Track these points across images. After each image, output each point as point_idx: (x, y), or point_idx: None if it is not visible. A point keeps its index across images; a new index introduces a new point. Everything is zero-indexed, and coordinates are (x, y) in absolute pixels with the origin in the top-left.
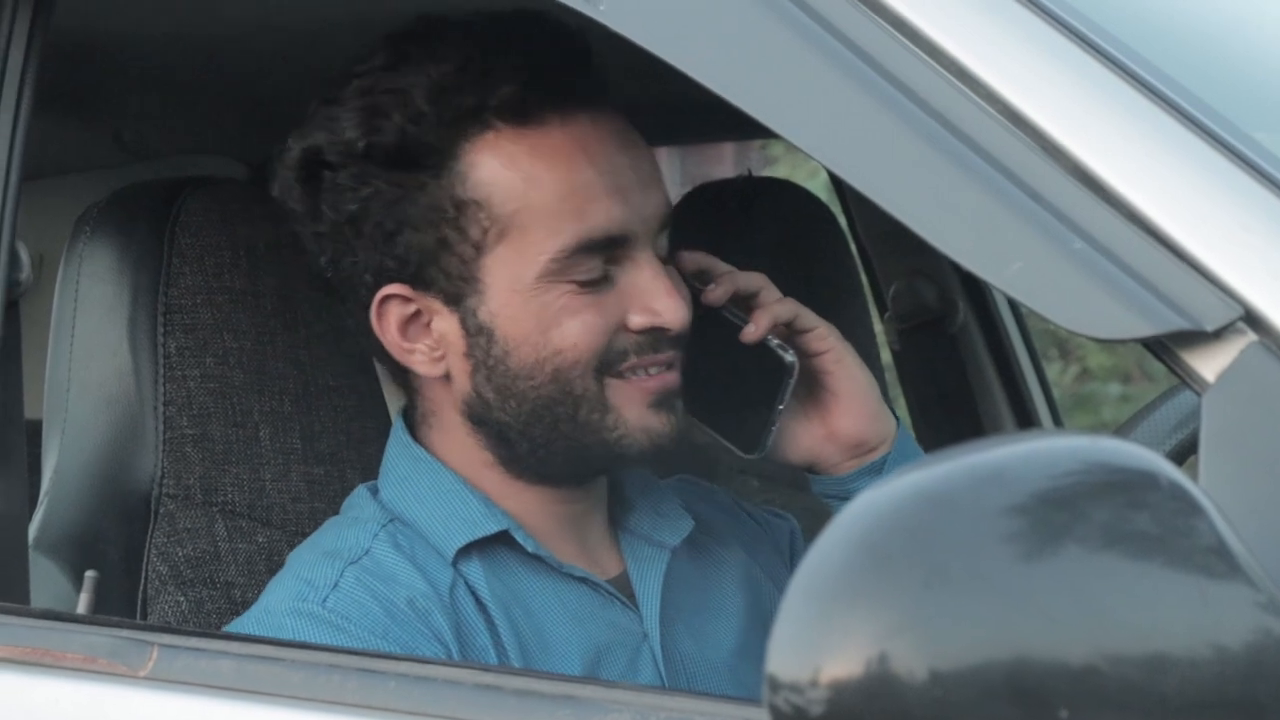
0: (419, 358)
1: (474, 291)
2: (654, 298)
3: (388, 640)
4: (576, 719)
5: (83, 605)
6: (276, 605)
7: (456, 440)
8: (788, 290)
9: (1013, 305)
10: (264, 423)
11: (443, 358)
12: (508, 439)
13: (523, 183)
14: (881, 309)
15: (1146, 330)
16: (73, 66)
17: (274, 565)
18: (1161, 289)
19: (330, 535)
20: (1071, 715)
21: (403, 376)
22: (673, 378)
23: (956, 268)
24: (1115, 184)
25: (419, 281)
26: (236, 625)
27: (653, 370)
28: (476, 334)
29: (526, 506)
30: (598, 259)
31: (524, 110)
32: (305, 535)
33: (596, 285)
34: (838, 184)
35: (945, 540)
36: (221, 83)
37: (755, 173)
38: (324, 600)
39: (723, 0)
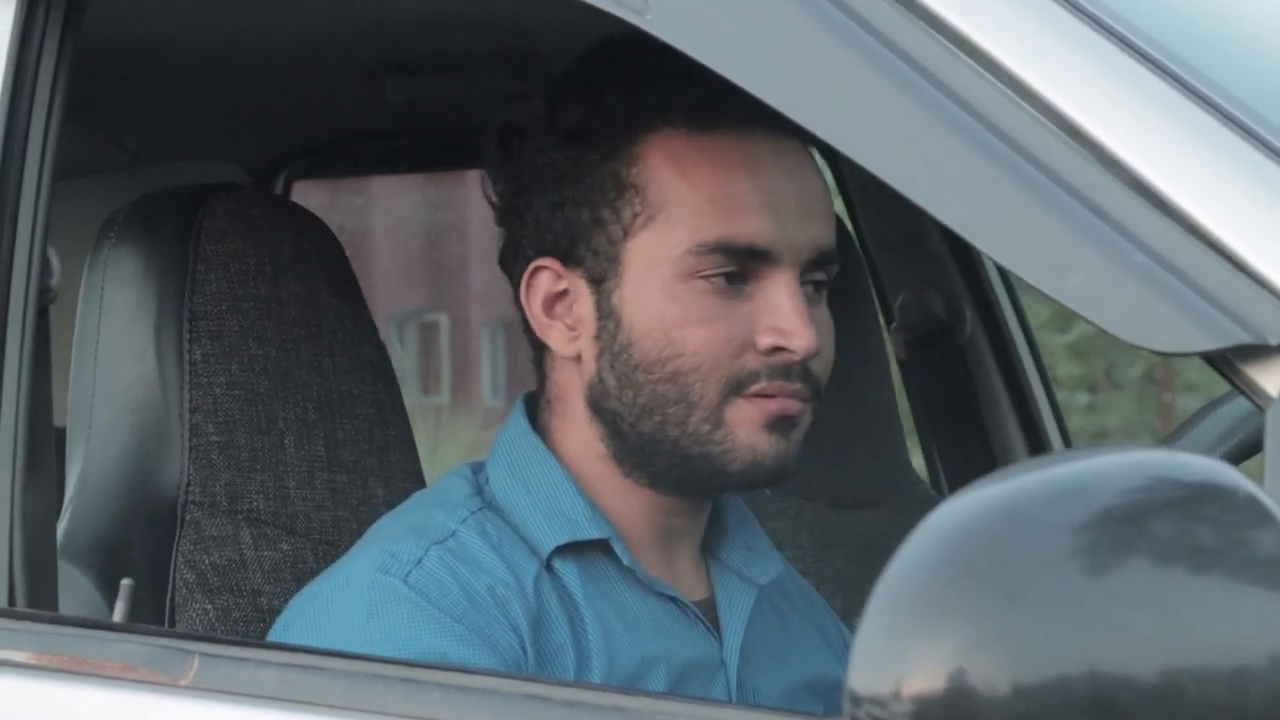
0: (555, 334)
1: (614, 274)
2: (783, 318)
3: (463, 623)
4: None
5: (119, 614)
6: (358, 574)
7: (575, 428)
8: None
9: (1020, 316)
10: (289, 430)
11: (577, 338)
12: (620, 431)
13: (681, 179)
14: (888, 319)
15: (1208, 344)
16: (78, 72)
17: (299, 573)
18: (1223, 302)
19: (419, 514)
20: None
21: (539, 356)
22: (797, 406)
23: (964, 278)
24: (1176, 197)
25: (570, 258)
26: (314, 587)
27: (778, 394)
28: (607, 317)
29: (630, 511)
30: (734, 266)
31: (704, 117)
32: (329, 543)
33: (729, 297)
34: (845, 192)
35: (1028, 555)
36: (226, 88)
37: None
38: (406, 575)
39: (771, 8)
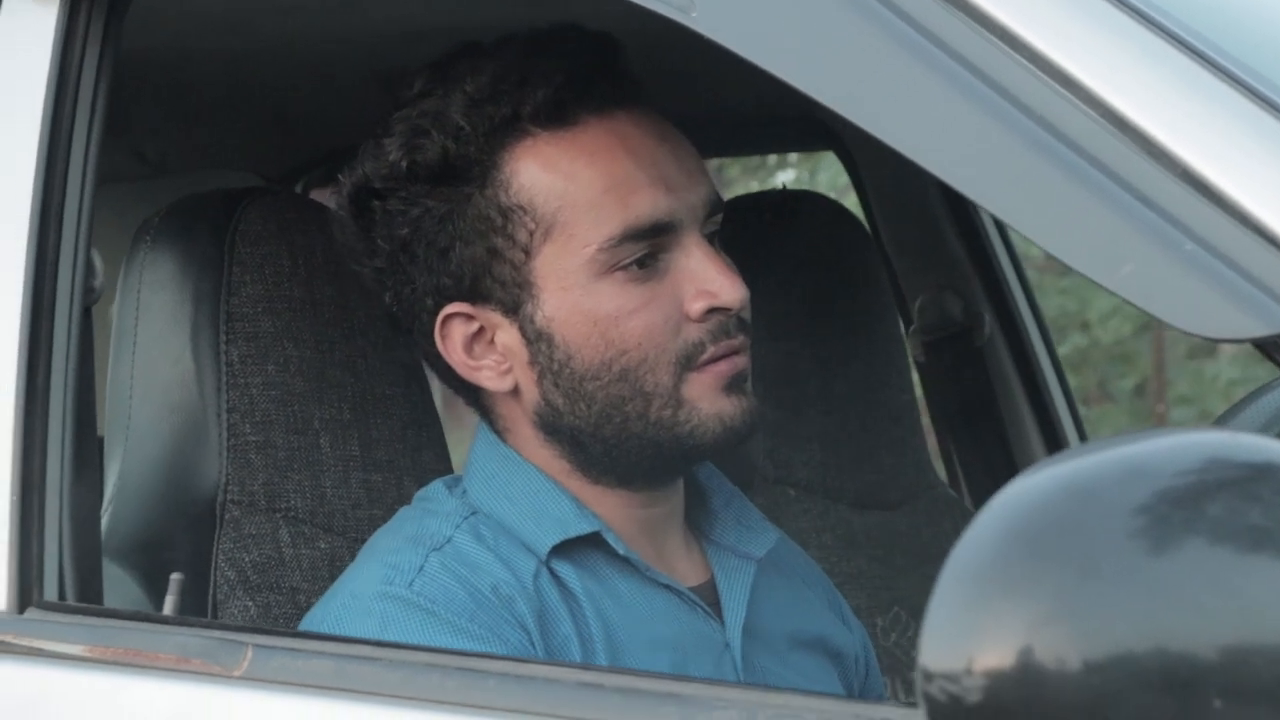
0: (486, 373)
1: (529, 297)
2: (707, 279)
3: (475, 622)
4: (681, 717)
5: (169, 607)
6: (363, 589)
7: (534, 453)
8: (820, 302)
9: (1038, 318)
10: (324, 430)
11: (509, 370)
12: (581, 443)
13: (563, 181)
14: (907, 322)
15: (1260, 330)
16: (117, 78)
17: (336, 570)
18: (1274, 289)
19: (411, 524)
20: (1225, 705)
21: (474, 398)
22: (743, 361)
23: (982, 280)
24: (1225, 186)
25: (476, 296)
26: (319, 610)
27: (725, 355)
28: (537, 340)
29: (609, 513)
30: (645, 248)
31: (559, 113)
32: (365, 541)
33: (648, 279)
34: (863, 195)
35: (1093, 533)
36: (243, 98)
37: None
38: (410, 583)
39: (818, 5)
